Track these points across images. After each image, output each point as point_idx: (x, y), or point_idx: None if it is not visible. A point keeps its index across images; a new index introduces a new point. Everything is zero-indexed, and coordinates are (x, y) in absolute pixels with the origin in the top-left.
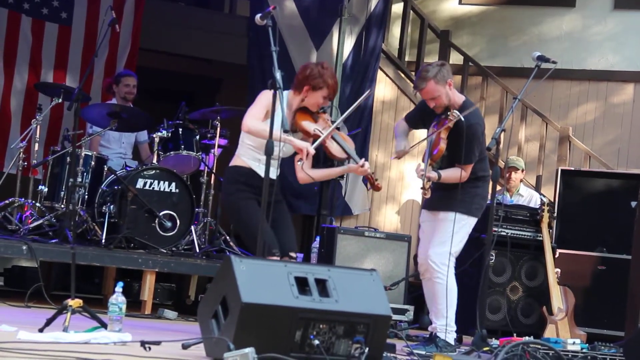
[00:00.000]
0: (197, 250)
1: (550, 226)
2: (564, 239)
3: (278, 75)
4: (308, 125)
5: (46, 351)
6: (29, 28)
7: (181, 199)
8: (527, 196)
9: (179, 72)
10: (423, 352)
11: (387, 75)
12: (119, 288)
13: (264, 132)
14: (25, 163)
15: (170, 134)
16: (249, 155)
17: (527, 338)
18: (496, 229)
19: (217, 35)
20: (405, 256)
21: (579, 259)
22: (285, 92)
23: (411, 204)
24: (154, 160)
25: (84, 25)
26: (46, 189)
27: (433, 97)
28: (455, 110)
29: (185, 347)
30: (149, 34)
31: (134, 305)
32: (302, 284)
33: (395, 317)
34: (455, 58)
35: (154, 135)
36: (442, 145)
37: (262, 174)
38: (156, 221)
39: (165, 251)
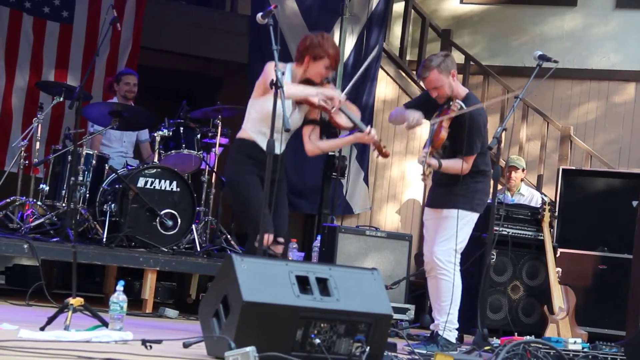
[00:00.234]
0: (198, 249)
1: (551, 225)
2: (565, 239)
3: (279, 74)
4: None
5: (47, 350)
6: (30, 27)
7: (182, 198)
8: (528, 195)
9: (180, 71)
10: (424, 351)
11: (388, 74)
12: (120, 287)
13: (299, 92)
14: (27, 162)
15: (171, 133)
16: (254, 129)
17: (528, 337)
18: (497, 228)
19: (218, 34)
20: (406, 255)
21: (580, 258)
22: (288, 65)
23: (412, 203)
24: (155, 159)
25: (85, 24)
26: (47, 188)
27: (436, 87)
28: (457, 100)
29: (186, 345)
30: (150, 33)
31: (135, 304)
32: (303, 283)
33: (396, 316)
34: (457, 57)
35: (155, 134)
36: (444, 133)
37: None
38: (157, 220)
39: (166, 250)
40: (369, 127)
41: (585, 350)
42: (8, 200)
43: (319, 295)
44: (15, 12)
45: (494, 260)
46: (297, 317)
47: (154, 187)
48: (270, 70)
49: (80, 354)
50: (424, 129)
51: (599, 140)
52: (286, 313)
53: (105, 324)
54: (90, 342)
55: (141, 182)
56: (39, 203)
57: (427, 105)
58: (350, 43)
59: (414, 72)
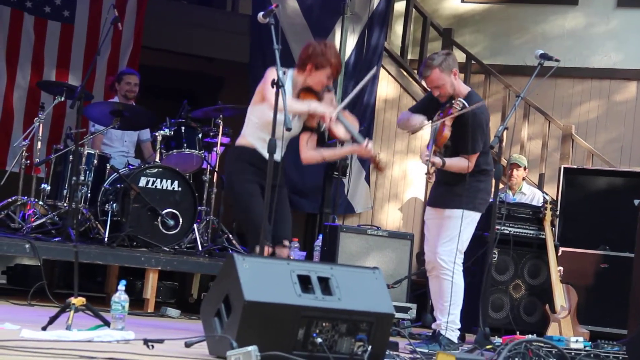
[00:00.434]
0: (200, 249)
1: (552, 224)
2: (566, 237)
3: (280, 73)
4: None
5: (49, 349)
6: (31, 26)
7: (184, 197)
8: (529, 194)
9: (182, 71)
10: (426, 350)
11: (389, 73)
12: (121, 286)
13: (289, 106)
14: (28, 161)
15: (172, 133)
16: (254, 135)
17: (530, 336)
18: (499, 227)
19: (219, 34)
20: (407, 254)
21: (582, 257)
22: (290, 70)
23: (414, 202)
24: (157, 159)
25: (86, 23)
26: (49, 188)
27: (437, 86)
28: (460, 99)
29: (188, 345)
30: (151, 32)
31: (137, 303)
32: (304, 282)
33: (398, 315)
34: (458, 56)
35: (157, 134)
36: (447, 132)
37: (266, 155)
38: (159, 219)
39: (168, 249)
40: (366, 140)
41: (587, 348)
42: (10, 200)
43: (320, 295)
44: (17, 11)
45: (495, 259)
46: (298, 316)
47: (156, 186)
48: (270, 77)
49: (82, 354)
50: (425, 128)
51: (601, 139)
52: (288, 312)
53: (107, 323)
54: (92, 342)
55: (143, 182)
56: (40, 203)
57: (430, 106)
58: (351, 42)
59: (415, 71)
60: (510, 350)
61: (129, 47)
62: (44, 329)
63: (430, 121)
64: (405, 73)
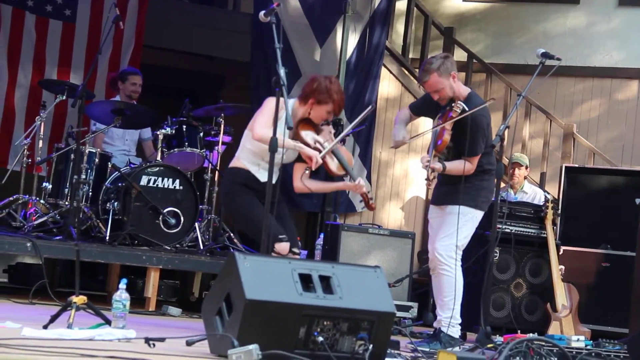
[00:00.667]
0: (201, 247)
1: (554, 223)
2: (568, 236)
3: (282, 72)
4: (308, 136)
5: (50, 348)
6: (33, 25)
7: (185, 196)
8: (531, 193)
9: (183, 69)
10: (427, 349)
11: (390, 72)
12: (123, 285)
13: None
14: (30, 160)
15: (174, 131)
16: (248, 160)
17: (531, 335)
18: (500, 226)
19: (220, 33)
20: (409, 253)
21: (583, 256)
22: (291, 101)
23: (415, 200)
24: (158, 158)
25: (87, 22)
26: (50, 186)
27: (436, 90)
28: (459, 102)
29: (189, 343)
30: (152, 31)
31: (138, 302)
32: (306, 281)
33: (399, 314)
34: (459, 55)
35: (158, 133)
36: (447, 136)
37: (261, 178)
38: (160, 218)
39: (169, 248)
40: (359, 179)
41: (588, 347)
42: (11, 198)
43: (321, 293)
44: (18, 10)
45: (496, 258)
46: (300, 315)
47: (157, 185)
48: (267, 107)
49: (83, 352)
50: (426, 125)
51: (602, 138)
52: (289, 311)
53: (108, 322)
54: (93, 340)
55: (144, 181)
56: (41, 201)
57: (431, 105)
58: (352, 41)
59: (417, 70)
60: (511, 349)
61: (131, 46)
62: (45, 327)
63: (431, 127)
64: (406, 72)
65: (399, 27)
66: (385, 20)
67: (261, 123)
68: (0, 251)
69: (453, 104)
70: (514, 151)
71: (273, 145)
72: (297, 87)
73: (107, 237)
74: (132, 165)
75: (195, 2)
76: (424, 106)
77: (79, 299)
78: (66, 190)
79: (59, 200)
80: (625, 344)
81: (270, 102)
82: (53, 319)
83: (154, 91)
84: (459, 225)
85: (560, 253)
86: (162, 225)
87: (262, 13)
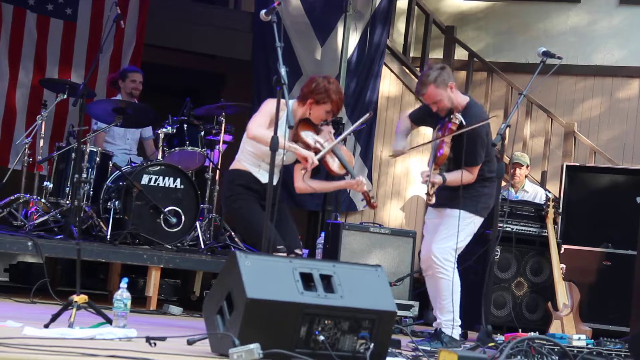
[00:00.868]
0: (202, 246)
1: (555, 222)
2: (569, 235)
3: (283, 71)
4: (309, 136)
5: (51, 347)
6: (34, 24)
7: (186, 195)
8: (532, 192)
9: (184, 68)
10: (428, 348)
11: (391, 71)
12: (124, 284)
13: (269, 139)
14: (31, 159)
15: (175, 130)
16: (249, 161)
17: (532, 334)
18: (501, 225)
19: (221, 31)
20: (410, 252)
21: (584, 254)
22: (290, 102)
23: (416, 199)
24: (159, 156)
25: (88, 21)
26: (51, 185)
27: (435, 102)
28: (457, 115)
29: (190, 342)
30: (153, 30)
31: (139, 301)
32: (307, 280)
33: (400, 313)
34: (460, 54)
35: (159, 131)
36: (446, 149)
37: (262, 179)
38: (161, 217)
39: (170, 247)
40: (360, 177)
41: (589, 346)
42: (12, 197)
43: (322, 292)
44: (19, 9)
45: (498, 256)
46: (301, 314)
47: (158, 184)
48: (265, 109)
49: (84, 351)
50: (427, 132)
51: (603, 137)
52: (290, 310)
53: (109, 321)
54: (94, 340)
55: (145, 179)
56: (43, 200)
57: (430, 115)
58: (353, 40)
59: (418, 69)
60: (512, 348)
61: (132, 44)
62: (46, 326)
63: (430, 137)
64: (407, 71)
65: (400, 25)
66: (386, 19)
67: (256, 122)
68: (1, 250)
69: (452, 116)
70: (515, 150)
71: (274, 144)
72: (297, 86)
73: (108, 236)
74: (133, 164)
75: (196, 1)
76: (424, 115)
77: (80, 298)
78: (67, 189)
79: (60, 199)
80: (627, 342)
81: (268, 104)
82: (54, 318)
83: (155, 90)
84: (458, 229)
85: (561, 252)
86: (163, 224)
87: (263, 12)
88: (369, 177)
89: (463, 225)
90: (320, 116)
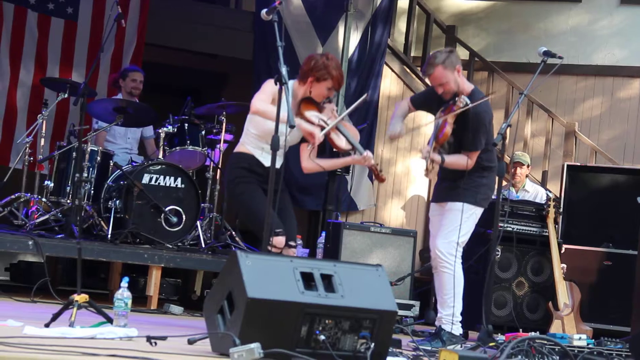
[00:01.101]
0: (203, 246)
1: (556, 222)
2: (569, 235)
3: (284, 70)
4: (312, 115)
5: (52, 346)
6: (35, 23)
7: (187, 194)
8: (532, 192)
9: (185, 67)
10: (429, 348)
11: (392, 70)
12: (124, 283)
13: (272, 114)
14: (31, 158)
15: (176, 129)
16: (253, 144)
17: (533, 333)
18: (502, 225)
19: (222, 31)
20: (410, 252)
21: (585, 254)
22: (291, 82)
23: (417, 199)
24: (160, 156)
25: (89, 20)
26: (52, 184)
27: (441, 83)
28: (463, 96)
29: (191, 342)
30: (154, 29)
31: (140, 300)
32: (307, 279)
33: (401, 312)
34: (461, 53)
35: (160, 131)
36: (448, 129)
37: (265, 163)
38: (162, 216)
39: (171, 246)
40: (366, 151)
41: (590, 346)
42: (13, 196)
43: (323, 292)
44: (20, 8)
45: (498, 256)
46: (301, 313)
47: (159, 183)
48: (266, 88)
49: (85, 351)
50: (428, 122)
51: (604, 136)
52: (291, 309)
53: (109, 320)
54: (94, 339)
55: (146, 179)
56: (43, 199)
57: (433, 99)
58: (354, 39)
59: (419, 69)
60: (513, 348)
61: (133, 44)
62: (46, 325)
63: (434, 118)
64: (408, 70)
65: (401, 25)
66: (387, 18)
67: (259, 98)
68: (2, 249)
69: (457, 98)
70: (515, 149)
71: (274, 144)
72: None
73: (109, 235)
74: (134, 164)
75: (197, 0)
76: (426, 99)
77: (80, 298)
78: (68, 188)
79: (61, 198)
80: (627, 342)
81: (268, 83)
82: (55, 317)
83: (155, 89)
84: (461, 222)
85: (562, 251)
86: (163, 224)
87: (264, 11)
88: (370, 176)
89: (465, 218)
90: (322, 93)
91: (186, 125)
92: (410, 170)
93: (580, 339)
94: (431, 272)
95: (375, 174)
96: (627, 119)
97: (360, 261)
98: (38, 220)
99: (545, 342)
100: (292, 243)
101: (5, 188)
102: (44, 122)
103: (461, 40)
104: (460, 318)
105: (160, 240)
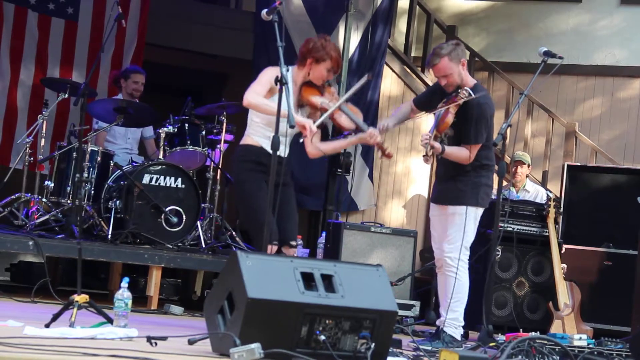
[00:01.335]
0: (203, 246)
1: (556, 222)
2: (570, 235)
3: (284, 70)
4: (315, 98)
5: (52, 347)
6: (35, 23)
7: (187, 195)
8: (533, 192)
9: (185, 68)
10: (429, 348)
11: (393, 70)
12: (124, 283)
13: (264, 107)
14: (32, 158)
15: (176, 130)
16: (258, 134)
17: (533, 333)
18: (502, 225)
19: (223, 31)
20: (411, 251)
21: (585, 254)
22: (291, 67)
23: (417, 199)
24: (160, 156)
25: (90, 20)
26: (52, 185)
27: (445, 75)
28: (466, 88)
29: (191, 342)
30: (155, 29)
31: (140, 300)
32: (308, 280)
33: (401, 312)
34: None
35: (160, 131)
36: (450, 118)
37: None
38: (162, 216)
39: (171, 246)
40: (370, 128)
41: (590, 346)
42: (13, 197)
43: (323, 292)
44: (20, 8)
45: (499, 256)
46: (302, 313)
47: (159, 183)
48: (263, 77)
49: (85, 351)
50: (428, 123)
51: (604, 136)
52: (291, 310)
53: (110, 320)
54: (95, 339)
55: (146, 179)
56: (44, 200)
57: (436, 95)
58: (355, 39)
59: (419, 69)
60: (513, 348)
61: (133, 44)
62: (47, 326)
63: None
64: (408, 70)
65: (401, 25)
66: (387, 18)
67: (253, 90)
68: (2, 250)
69: (459, 90)
70: (516, 149)
71: (275, 144)
72: None
73: (109, 236)
74: (134, 164)
75: (197, 0)
76: (429, 97)
77: (80, 298)
78: (68, 188)
79: (61, 198)
80: (628, 342)
81: (267, 72)
82: (55, 317)
83: (156, 89)
84: (465, 226)
85: (563, 251)
86: (164, 224)
87: (264, 11)
88: (370, 176)
89: (468, 220)
90: (321, 75)
91: (186, 125)
92: (410, 170)
93: (580, 339)
94: (432, 272)
95: (382, 151)
96: (628, 119)
97: (360, 261)
98: (38, 221)
99: (546, 342)
100: (292, 243)
101: (6, 188)
102: (45, 122)
103: (461, 40)
104: (462, 323)
105: (161, 241)
